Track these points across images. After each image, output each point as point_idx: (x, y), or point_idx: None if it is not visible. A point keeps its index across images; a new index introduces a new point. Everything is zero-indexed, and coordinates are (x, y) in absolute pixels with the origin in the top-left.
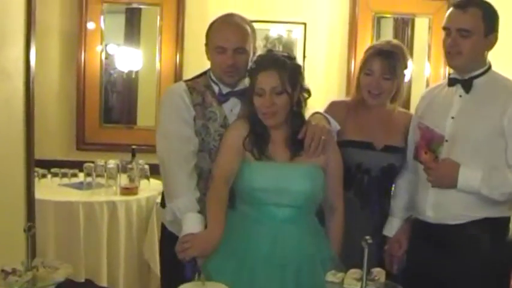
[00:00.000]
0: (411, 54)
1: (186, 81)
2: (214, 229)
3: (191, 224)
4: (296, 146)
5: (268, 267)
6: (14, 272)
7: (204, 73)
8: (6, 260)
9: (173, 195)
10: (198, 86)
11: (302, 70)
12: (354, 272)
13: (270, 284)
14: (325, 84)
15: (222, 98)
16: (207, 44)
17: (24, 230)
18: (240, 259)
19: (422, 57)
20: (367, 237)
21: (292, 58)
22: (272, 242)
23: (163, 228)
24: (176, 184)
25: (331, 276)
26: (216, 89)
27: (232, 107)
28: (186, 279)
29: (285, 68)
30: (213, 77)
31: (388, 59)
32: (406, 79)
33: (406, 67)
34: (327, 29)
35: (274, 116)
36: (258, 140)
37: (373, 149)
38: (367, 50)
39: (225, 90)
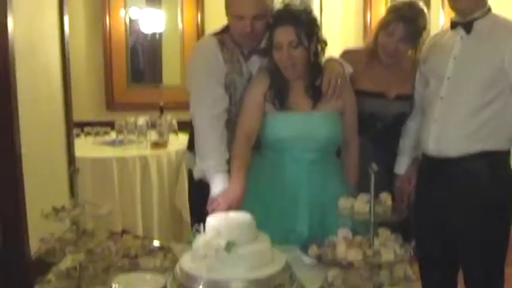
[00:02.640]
0: (428, 3)
1: (215, 34)
2: (235, 184)
3: (220, 184)
4: (316, 94)
5: (295, 207)
6: (63, 209)
7: (227, 29)
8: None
9: (204, 156)
10: (227, 41)
11: (318, 22)
12: (363, 196)
13: (298, 223)
14: (342, 38)
15: (246, 56)
16: (226, 8)
17: (71, 173)
18: (268, 203)
19: (437, 6)
20: (373, 164)
21: (308, 12)
22: (298, 183)
23: (192, 174)
24: (207, 145)
25: (343, 201)
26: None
27: (256, 64)
28: None
29: (301, 22)
30: (234, 37)
31: (411, 26)
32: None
33: (426, 29)
34: None
35: (293, 68)
36: (279, 93)
37: (386, 98)
38: (390, 11)
39: (247, 50)
